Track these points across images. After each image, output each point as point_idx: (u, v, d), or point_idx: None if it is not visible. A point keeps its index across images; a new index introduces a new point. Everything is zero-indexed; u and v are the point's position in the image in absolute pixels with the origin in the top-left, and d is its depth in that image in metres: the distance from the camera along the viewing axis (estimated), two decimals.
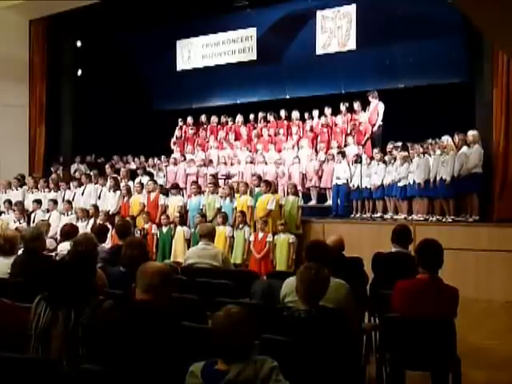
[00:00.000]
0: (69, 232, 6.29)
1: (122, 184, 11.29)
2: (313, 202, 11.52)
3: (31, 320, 2.97)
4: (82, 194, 11.63)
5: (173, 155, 13.39)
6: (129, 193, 11.07)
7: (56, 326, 2.89)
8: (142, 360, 2.69)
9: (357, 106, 12.02)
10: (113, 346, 2.77)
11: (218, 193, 10.41)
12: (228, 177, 11.98)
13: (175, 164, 12.70)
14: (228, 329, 2.53)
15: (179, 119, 14.48)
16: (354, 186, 10.56)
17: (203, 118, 14.37)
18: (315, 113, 12.75)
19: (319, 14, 13.16)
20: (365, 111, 11.94)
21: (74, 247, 4.51)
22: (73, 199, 11.53)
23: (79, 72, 15.32)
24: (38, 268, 4.08)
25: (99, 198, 11.36)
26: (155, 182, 11.26)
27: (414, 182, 9.74)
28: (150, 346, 2.72)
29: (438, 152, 9.62)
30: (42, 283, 3.21)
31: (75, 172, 13.67)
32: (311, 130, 12.59)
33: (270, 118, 13.36)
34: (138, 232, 9.94)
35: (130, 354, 2.71)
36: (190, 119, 14.32)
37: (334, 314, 3.39)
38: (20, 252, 5.13)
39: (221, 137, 13.58)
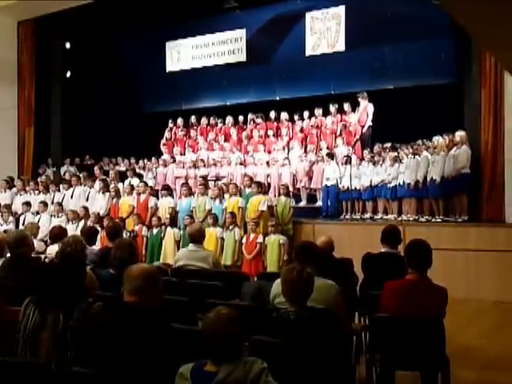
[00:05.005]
0: (57, 234, 6.25)
1: (112, 186, 11.25)
2: (303, 203, 11.54)
3: (20, 323, 2.96)
4: (72, 196, 11.58)
5: (162, 157, 13.37)
6: (118, 194, 11.03)
7: (44, 329, 2.88)
8: (131, 362, 2.68)
9: (346, 107, 12.10)
10: (102, 348, 2.76)
11: (207, 194, 10.40)
12: (218, 178, 11.97)
13: (165, 165, 12.68)
14: (218, 330, 2.53)
15: (169, 120, 14.48)
16: (343, 186, 10.59)
17: (193, 119, 14.38)
18: (305, 114, 12.78)
19: (308, 15, 13.20)
20: (354, 112, 12.00)
21: (62, 249, 4.49)
22: (62, 201, 11.47)
23: (68, 73, 15.26)
24: (26, 271, 4.04)
25: (87, 199, 11.31)
26: (146, 184, 11.24)
27: (403, 182, 9.78)
28: (139, 348, 2.72)
29: (427, 153, 9.66)
30: (30, 286, 3.19)
31: (65, 174, 13.61)
32: (301, 131, 12.62)
33: (258, 120, 13.37)
34: (128, 234, 9.91)
35: (119, 356, 2.70)
36: (180, 121, 14.32)
37: (323, 314, 3.39)
38: (8, 255, 5.09)
39: (210, 138, 13.59)
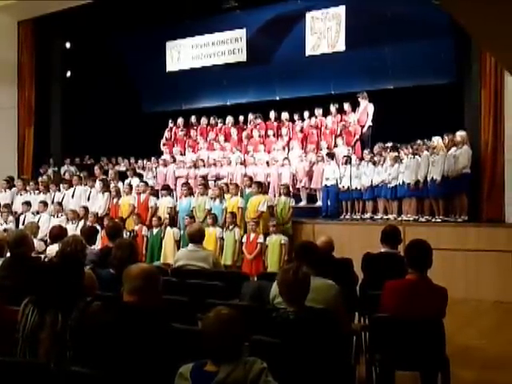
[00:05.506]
0: (57, 234, 6.25)
1: (112, 185, 11.25)
2: (303, 203, 11.53)
3: (19, 323, 2.95)
4: (72, 195, 11.58)
5: (162, 156, 13.38)
6: (118, 194, 11.04)
7: (43, 329, 2.88)
8: (130, 362, 2.68)
9: (347, 107, 12.10)
10: (101, 348, 2.76)
11: (207, 194, 10.41)
12: (218, 178, 11.98)
13: (165, 165, 12.69)
14: (218, 330, 2.53)
15: (169, 120, 14.47)
16: (343, 186, 10.59)
17: (193, 119, 14.38)
18: (305, 114, 12.78)
19: (308, 15, 13.18)
20: (354, 112, 12.00)
21: (62, 249, 4.48)
22: (62, 201, 11.47)
23: (68, 73, 15.26)
24: (25, 271, 4.04)
25: (88, 199, 11.32)
26: (146, 184, 11.25)
27: (403, 182, 9.78)
28: (138, 348, 2.72)
29: (427, 152, 9.66)
30: (29, 286, 3.19)
31: (65, 173, 13.62)
32: (301, 131, 12.62)
33: (257, 120, 13.35)
34: (128, 234, 9.91)
35: (119, 356, 2.70)
36: (180, 120, 14.31)
37: (323, 314, 3.39)
38: (8, 254, 5.09)
39: (211, 138, 13.59)
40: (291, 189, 11.10)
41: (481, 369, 5.23)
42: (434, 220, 9.44)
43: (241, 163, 12.00)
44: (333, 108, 12.30)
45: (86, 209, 10.78)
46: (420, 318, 3.79)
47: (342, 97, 12.46)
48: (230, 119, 13.79)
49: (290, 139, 12.62)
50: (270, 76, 13.91)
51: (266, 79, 13.96)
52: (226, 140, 13.37)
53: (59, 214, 10.93)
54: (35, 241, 6.87)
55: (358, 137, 11.70)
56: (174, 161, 12.84)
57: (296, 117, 12.86)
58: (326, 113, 12.48)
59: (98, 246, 7.31)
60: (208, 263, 5.74)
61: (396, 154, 10.18)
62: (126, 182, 11.69)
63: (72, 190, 11.67)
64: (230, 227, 9.60)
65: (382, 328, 3.95)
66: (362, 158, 10.87)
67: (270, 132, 12.93)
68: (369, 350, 4.23)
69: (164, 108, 15.44)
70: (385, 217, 10.08)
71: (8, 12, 13.71)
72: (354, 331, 4.62)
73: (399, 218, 9.76)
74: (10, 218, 11.18)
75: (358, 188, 10.44)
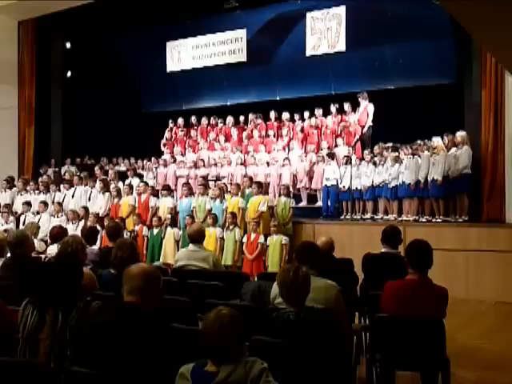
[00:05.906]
0: (57, 235, 6.26)
1: (112, 186, 11.26)
2: (303, 203, 11.53)
3: (19, 323, 2.95)
4: (73, 196, 11.59)
5: (163, 157, 13.38)
6: (118, 194, 11.04)
7: (43, 329, 2.88)
8: (130, 362, 2.68)
9: (347, 107, 12.08)
10: (100, 348, 2.76)
11: (208, 194, 10.40)
12: (218, 178, 11.97)
13: (165, 165, 12.69)
14: (218, 330, 2.53)
15: (169, 120, 14.47)
16: (344, 187, 10.58)
17: (193, 119, 14.37)
18: (306, 114, 12.77)
19: (309, 15, 13.21)
20: (355, 112, 11.99)
21: (63, 249, 4.48)
22: (63, 201, 11.48)
23: (68, 73, 15.28)
24: (25, 271, 4.04)
25: (89, 199, 11.33)
26: (146, 184, 11.25)
27: (403, 182, 9.77)
28: (138, 348, 2.71)
29: (428, 152, 9.65)
30: (29, 286, 3.19)
31: (65, 174, 13.62)
32: (301, 131, 12.62)
33: (258, 120, 13.34)
34: (128, 234, 9.92)
35: (118, 355, 2.70)
36: (180, 120, 14.30)
37: (323, 314, 3.39)
38: (9, 255, 5.09)
39: (211, 138, 13.59)
40: (291, 189, 11.09)
41: (481, 369, 5.22)
42: (434, 220, 9.44)
43: (241, 163, 11.99)
44: (333, 108, 12.29)
45: (86, 209, 10.79)
46: (420, 318, 3.79)
47: (343, 97, 12.44)
48: (230, 119, 13.77)
49: (290, 139, 12.60)
50: (270, 76, 13.92)
51: (267, 79, 13.96)
52: (226, 140, 13.37)
53: (59, 214, 10.94)
54: (35, 241, 6.88)
55: (358, 137, 11.68)
56: (175, 161, 12.84)
57: (296, 117, 12.86)
58: (327, 113, 12.47)
59: (98, 246, 7.30)
60: (208, 263, 5.74)
61: (396, 154, 10.17)
62: (127, 182, 11.69)
63: (72, 190, 11.69)
64: (231, 227, 9.59)
65: (383, 328, 3.95)
66: (362, 158, 10.86)
67: (271, 132, 12.92)
68: (369, 350, 4.22)
69: (164, 108, 15.43)
70: (385, 217, 10.07)
71: (8, 12, 13.71)
72: (354, 331, 4.61)
73: (400, 218, 9.76)
74: (11, 218, 11.19)
75: (359, 188, 10.43)
